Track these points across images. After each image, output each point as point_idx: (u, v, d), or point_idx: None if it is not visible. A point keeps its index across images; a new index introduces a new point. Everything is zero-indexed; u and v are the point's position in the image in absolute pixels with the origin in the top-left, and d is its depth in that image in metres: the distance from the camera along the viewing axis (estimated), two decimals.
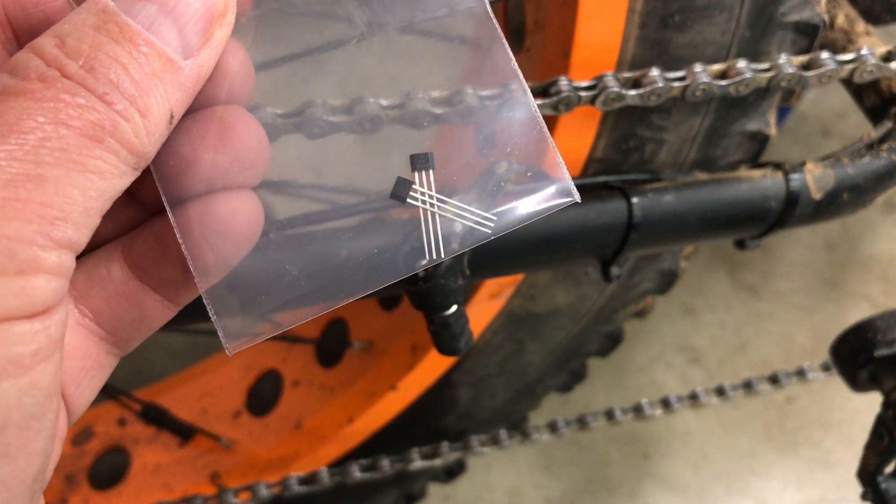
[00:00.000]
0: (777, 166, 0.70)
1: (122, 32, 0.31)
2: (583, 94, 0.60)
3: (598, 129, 0.72)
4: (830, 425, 1.62)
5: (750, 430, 1.61)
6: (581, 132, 0.72)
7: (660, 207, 0.65)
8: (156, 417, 1.08)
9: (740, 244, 0.73)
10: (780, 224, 0.70)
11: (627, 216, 0.65)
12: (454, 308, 0.58)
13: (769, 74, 0.62)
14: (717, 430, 1.61)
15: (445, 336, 0.61)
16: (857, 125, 2.02)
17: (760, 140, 0.74)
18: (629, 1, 0.63)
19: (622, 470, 1.53)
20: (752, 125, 0.73)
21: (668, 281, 0.87)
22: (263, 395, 1.10)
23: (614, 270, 0.68)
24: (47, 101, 0.29)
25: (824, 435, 1.61)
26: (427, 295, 0.56)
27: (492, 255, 0.62)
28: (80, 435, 1.18)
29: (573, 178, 0.74)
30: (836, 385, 1.72)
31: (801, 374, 0.98)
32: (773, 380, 0.98)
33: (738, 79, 0.61)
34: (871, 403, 1.35)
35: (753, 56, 0.67)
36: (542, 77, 0.70)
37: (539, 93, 0.60)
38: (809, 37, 0.67)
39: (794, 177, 0.68)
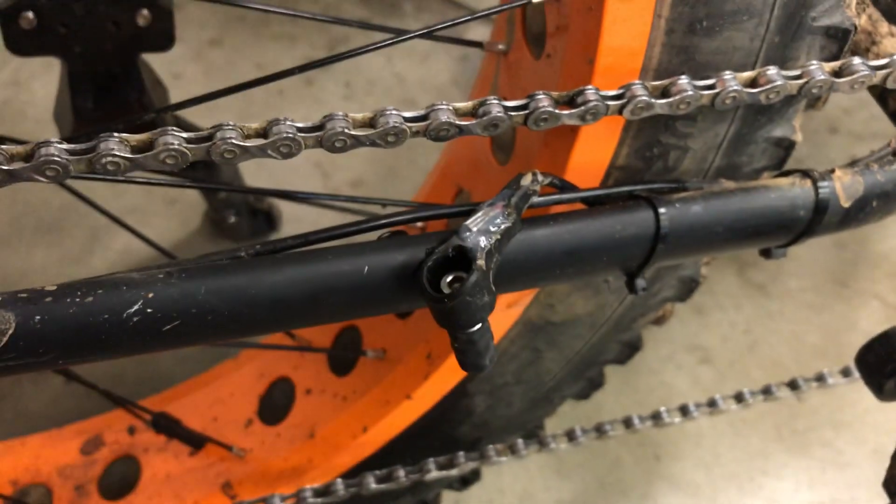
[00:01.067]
0: (805, 174, 0.69)
1: None
2: (611, 103, 0.58)
3: (621, 137, 0.70)
4: (842, 425, 1.61)
5: (761, 431, 1.59)
6: (603, 139, 0.70)
7: (687, 218, 0.64)
8: (167, 427, 1.07)
9: (766, 253, 0.72)
10: (807, 233, 0.69)
11: (655, 227, 0.63)
12: (480, 325, 0.57)
13: (800, 82, 0.61)
14: (728, 431, 1.59)
15: (470, 353, 0.59)
16: (865, 122, 2.01)
17: (786, 146, 0.73)
18: (655, 6, 0.62)
19: (634, 472, 1.52)
20: (779, 131, 0.72)
21: (688, 288, 0.85)
22: (276, 404, 1.08)
23: (640, 283, 0.66)
24: None
25: (836, 435, 1.60)
26: (452, 313, 0.55)
27: (517, 268, 0.61)
28: (89, 444, 1.16)
29: (595, 188, 0.73)
30: (848, 386, 1.71)
31: (820, 379, 0.97)
32: (793, 385, 0.96)
33: (768, 86, 0.60)
34: (883, 403, 1.34)
35: (781, 61, 0.66)
36: (564, 84, 0.69)
37: (565, 102, 0.59)
38: (839, 42, 0.65)
39: (823, 185, 0.67)
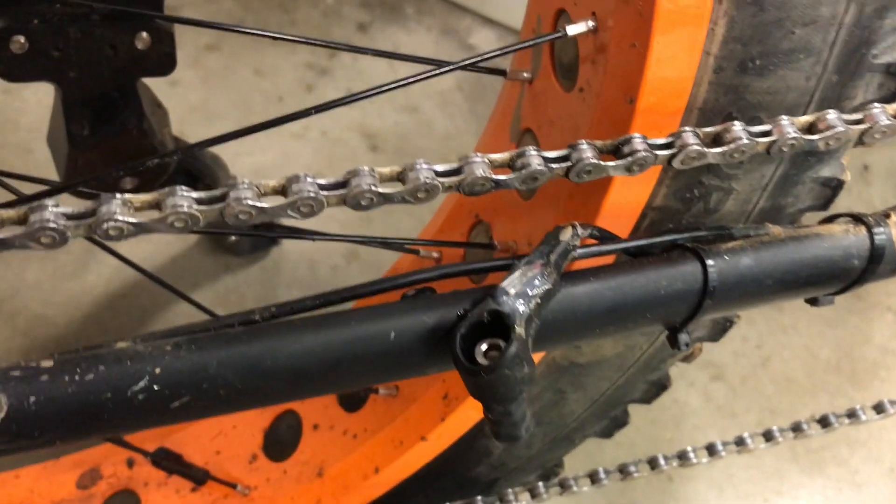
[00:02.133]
0: (857, 219, 0.64)
1: None
2: (660, 153, 0.53)
3: (660, 177, 0.66)
4: (857, 443, 1.57)
5: (775, 450, 1.55)
6: (641, 179, 0.65)
7: (737, 271, 0.59)
8: (167, 464, 1.02)
9: (812, 301, 0.67)
10: (860, 281, 0.64)
11: (702, 282, 0.58)
12: (518, 398, 0.52)
13: (862, 127, 0.56)
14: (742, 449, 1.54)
15: (505, 424, 0.54)
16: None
17: (834, 186, 0.68)
18: (705, 43, 0.57)
19: (646, 492, 1.47)
20: (827, 171, 0.67)
21: (722, 329, 0.81)
22: (281, 438, 1.03)
23: (683, 338, 0.61)
24: None
25: (851, 453, 1.56)
26: (489, 386, 0.50)
27: (554, 328, 0.56)
28: (86, 477, 1.11)
29: (637, 237, 0.68)
30: (862, 401, 1.67)
31: (852, 415, 0.93)
32: (824, 422, 0.92)
33: (828, 133, 0.55)
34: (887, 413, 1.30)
35: (837, 101, 0.61)
36: (599, 122, 0.64)
37: (610, 151, 0.54)
38: None
39: (879, 232, 0.62)
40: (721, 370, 1.63)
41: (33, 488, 1.11)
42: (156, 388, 0.48)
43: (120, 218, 0.46)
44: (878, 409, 0.95)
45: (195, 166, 1.13)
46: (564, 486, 0.89)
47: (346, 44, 0.85)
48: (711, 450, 0.91)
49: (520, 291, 0.52)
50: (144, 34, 0.79)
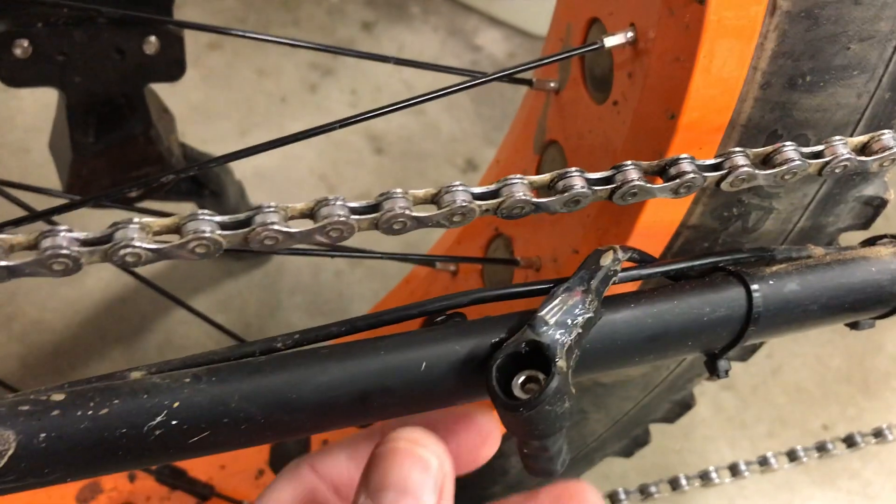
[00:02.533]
0: None
1: None
2: (708, 174, 0.50)
3: (698, 195, 0.63)
4: (869, 455, 1.54)
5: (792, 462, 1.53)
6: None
7: (782, 296, 0.56)
8: (171, 480, 0.99)
9: (853, 325, 0.64)
10: None
11: (747, 308, 0.55)
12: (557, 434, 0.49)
13: None
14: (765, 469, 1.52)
15: (541, 459, 0.51)
16: None
17: (877, 206, 0.66)
18: (753, 58, 0.54)
19: None
20: (871, 190, 0.64)
21: (752, 350, 0.78)
22: (289, 453, 1.00)
23: (723, 364, 0.59)
24: None
25: (863, 465, 1.53)
26: (527, 422, 0.47)
27: (596, 357, 0.53)
28: (85, 490, 1.08)
29: (671, 253, 0.65)
30: (874, 411, 1.65)
31: (878, 434, 0.90)
32: (850, 442, 0.89)
33: (883, 154, 0.52)
34: None
35: (888, 119, 0.58)
36: (634, 137, 0.61)
37: (656, 172, 0.51)
38: None
39: None
40: (731, 379, 1.61)
41: (31, 501, 1.08)
42: (174, 423, 0.45)
43: (138, 244, 0.43)
44: None
45: (201, 173, 1.10)
46: None
47: (357, 50, 0.82)
48: (734, 470, 0.88)
49: (560, 321, 0.49)
50: (153, 38, 0.76)
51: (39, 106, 1.67)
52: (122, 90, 0.79)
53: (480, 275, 0.87)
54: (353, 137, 1.70)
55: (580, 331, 0.49)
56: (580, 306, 0.50)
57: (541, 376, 0.47)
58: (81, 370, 1.41)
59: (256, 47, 1.80)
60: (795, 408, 1.60)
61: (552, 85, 0.73)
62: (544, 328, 0.48)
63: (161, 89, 0.97)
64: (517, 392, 0.47)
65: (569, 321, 0.49)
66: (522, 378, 0.48)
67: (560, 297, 0.50)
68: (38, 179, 1.04)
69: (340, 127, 0.56)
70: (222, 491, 1.00)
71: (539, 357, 0.48)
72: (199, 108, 1.70)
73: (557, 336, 0.48)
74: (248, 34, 0.70)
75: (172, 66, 0.78)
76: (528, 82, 0.74)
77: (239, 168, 1.53)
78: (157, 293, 0.89)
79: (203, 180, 1.10)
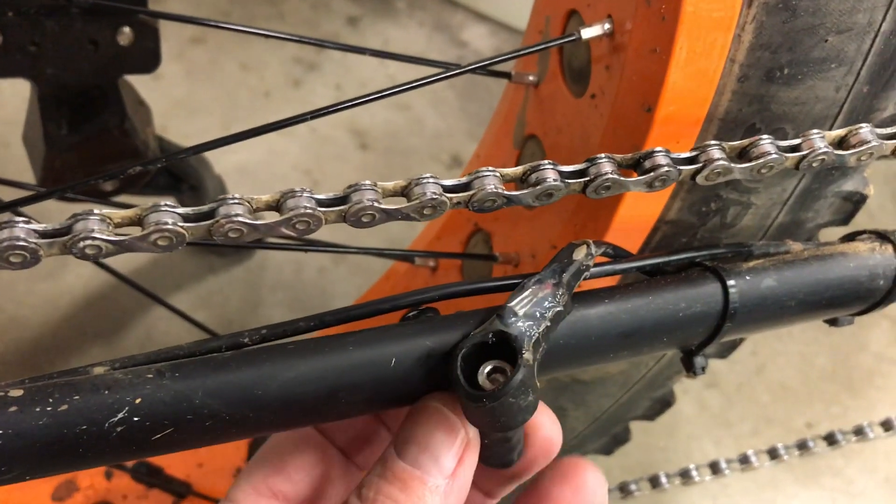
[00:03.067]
0: (883, 237, 0.60)
1: (395, 474, 0.44)
2: (683, 168, 0.49)
3: (675, 190, 0.62)
4: (853, 453, 1.54)
5: (773, 460, 1.53)
6: (655, 192, 0.61)
7: (759, 292, 0.55)
8: (147, 478, 0.97)
9: (832, 322, 0.64)
10: (884, 302, 0.61)
11: (723, 304, 0.55)
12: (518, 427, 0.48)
13: None
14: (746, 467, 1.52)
15: (500, 451, 0.51)
16: None
17: (856, 201, 0.65)
18: (730, 50, 0.53)
19: (639, 503, 1.44)
20: (850, 185, 0.64)
21: (731, 346, 0.77)
22: None
23: (700, 361, 0.58)
24: None
25: (846, 463, 1.53)
26: (490, 413, 0.46)
27: (567, 353, 0.52)
28: (61, 488, 1.07)
29: (648, 249, 0.64)
30: (858, 409, 1.65)
31: (859, 432, 0.89)
32: (830, 440, 0.89)
33: (861, 148, 0.51)
34: (895, 430, 1.27)
35: (867, 113, 0.57)
36: (612, 130, 0.60)
37: (631, 166, 0.50)
38: None
39: None
40: (715, 377, 1.60)
41: (6, 500, 1.06)
42: (136, 419, 0.44)
43: (98, 236, 0.42)
44: (886, 426, 0.92)
45: (178, 167, 1.09)
46: None
47: (340, 43, 0.81)
48: (715, 468, 0.88)
49: (529, 312, 0.48)
50: (127, 29, 0.74)
51: (20, 100, 1.65)
52: (96, 82, 0.78)
53: (460, 270, 0.86)
54: (337, 133, 1.69)
55: (549, 324, 0.48)
56: (550, 299, 0.49)
57: (507, 368, 0.46)
58: (61, 367, 1.40)
59: (240, 42, 1.78)
60: (780, 406, 1.59)
61: (531, 78, 0.73)
62: (512, 319, 0.47)
63: (143, 84, 0.95)
64: (482, 381, 0.46)
65: (538, 313, 0.48)
66: (489, 368, 0.47)
67: (530, 290, 0.49)
68: (17, 173, 1.02)
69: (313, 118, 0.55)
70: (200, 489, 0.99)
71: (506, 348, 0.47)
72: (182, 102, 1.68)
73: (525, 328, 0.47)
74: (220, 24, 0.69)
75: (147, 58, 0.77)
76: (507, 75, 0.73)
77: (222, 163, 1.52)
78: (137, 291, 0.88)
79: (181, 174, 1.08)
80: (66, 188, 0.53)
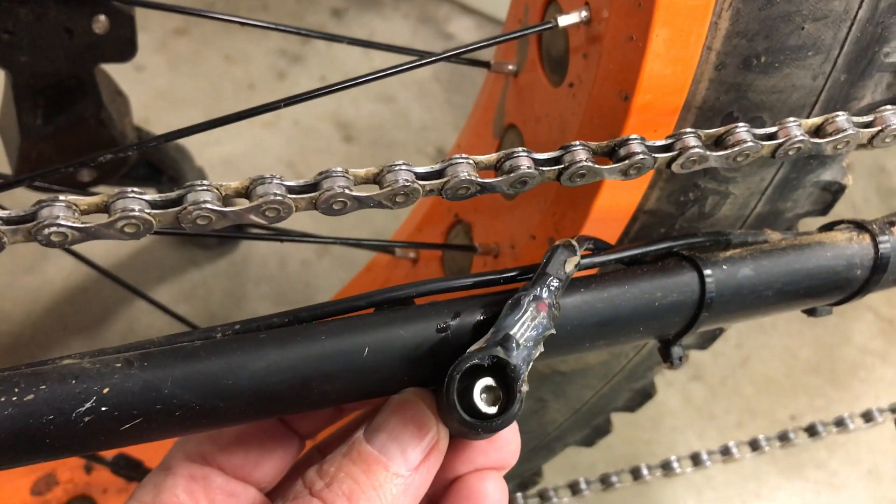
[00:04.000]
0: (860, 227, 0.60)
1: (360, 455, 0.45)
2: (659, 155, 0.49)
3: (653, 180, 0.62)
4: (836, 445, 1.55)
5: (753, 452, 1.53)
6: (632, 182, 0.61)
7: (735, 281, 0.55)
8: (126, 471, 0.96)
9: (810, 312, 0.64)
10: (861, 292, 0.61)
11: (699, 293, 0.54)
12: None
13: (873, 130, 0.52)
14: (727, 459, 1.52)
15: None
16: None
17: (835, 191, 0.65)
18: (706, 37, 0.53)
19: (623, 496, 1.44)
20: (829, 175, 0.63)
21: (711, 337, 0.77)
22: None
23: (677, 351, 0.58)
24: None
25: (830, 456, 1.54)
26: (475, 431, 0.45)
27: (545, 343, 0.51)
28: (41, 483, 1.06)
29: (627, 239, 0.64)
30: (842, 401, 1.65)
31: (840, 423, 0.90)
32: (811, 431, 0.89)
33: (838, 136, 0.51)
34: (876, 422, 1.27)
35: (844, 101, 0.57)
36: (590, 119, 0.60)
37: (605, 153, 0.49)
38: None
39: (884, 240, 0.59)
40: (700, 370, 1.61)
41: None
42: (104, 409, 0.44)
43: (63, 223, 0.41)
44: (867, 417, 0.93)
45: (158, 158, 1.08)
46: (544, 498, 0.85)
47: (320, 32, 0.80)
48: (696, 459, 0.88)
49: (527, 338, 0.47)
50: (102, 17, 0.73)
51: None
52: (71, 71, 0.77)
53: (441, 262, 0.86)
54: (322, 125, 1.68)
55: (542, 349, 0.48)
56: (546, 322, 0.48)
57: (499, 390, 0.46)
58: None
59: (224, 34, 1.77)
60: (764, 398, 1.60)
61: (510, 68, 0.72)
62: (516, 351, 0.47)
63: (126, 76, 0.95)
64: (478, 403, 0.45)
65: (533, 340, 0.47)
66: (482, 386, 0.46)
67: (529, 311, 0.48)
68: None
69: (286, 105, 0.55)
70: None
71: (499, 370, 0.46)
72: (165, 94, 1.67)
73: (522, 359, 0.47)
74: (199, 12, 0.68)
75: (123, 46, 0.76)
76: (486, 64, 0.73)
77: (205, 156, 1.51)
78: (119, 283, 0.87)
79: (160, 165, 1.07)
80: (35, 176, 0.52)
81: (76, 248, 0.86)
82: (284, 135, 1.65)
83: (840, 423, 0.91)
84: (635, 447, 1.49)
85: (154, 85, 1.66)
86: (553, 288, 0.48)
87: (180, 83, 1.69)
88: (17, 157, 0.82)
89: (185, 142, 1.32)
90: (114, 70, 0.90)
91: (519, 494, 0.86)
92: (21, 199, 0.84)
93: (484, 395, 0.45)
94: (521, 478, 0.93)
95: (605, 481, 0.85)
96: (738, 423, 1.55)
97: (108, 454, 0.96)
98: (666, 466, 0.87)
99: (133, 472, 0.98)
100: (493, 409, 0.45)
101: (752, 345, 1.65)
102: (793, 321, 1.70)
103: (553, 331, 0.47)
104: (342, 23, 1.85)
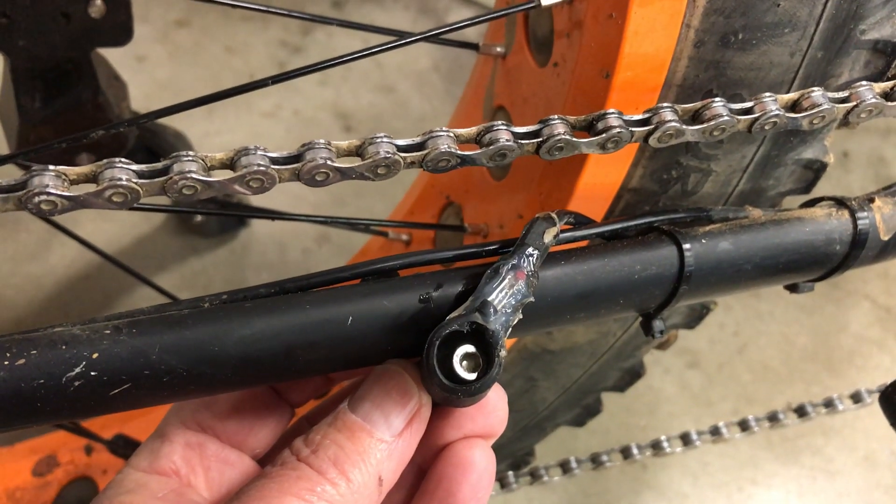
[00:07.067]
0: (840, 203, 0.61)
1: (345, 423, 0.46)
2: (636, 129, 0.50)
3: (636, 157, 0.63)
4: (832, 431, 1.56)
5: (750, 438, 1.54)
6: (616, 160, 0.62)
7: (714, 255, 0.56)
8: (124, 450, 0.98)
9: (792, 288, 0.65)
10: (841, 268, 0.62)
11: (678, 267, 0.55)
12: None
13: (848, 105, 0.53)
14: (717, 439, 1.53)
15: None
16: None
17: (816, 169, 0.66)
18: (685, 15, 0.54)
19: (620, 482, 1.46)
20: (810, 153, 0.64)
21: (698, 316, 0.78)
22: None
23: (658, 325, 0.59)
24: (281, 478, 0.44)
25: (826, 442, 1.55)
26: (458, 400, 0.47)
27: (525, 315, 0.53)
28: (42, 464, 1.07)
29: (612, 216, 0.65)
30: (838, 389, 1.66)
31: (829, 405, 0.91)
32: (801, 412, 0.90)
33: (813, 111, 0.52)
34: (872, 409, 1.28)
35: (822, 79, 0.58)
36: (573, 98, 0.61)
37: (584, 127, 0.50)
38: (887, 57, 0.58)
39: (862, 216, 0.60)
40: (697, 357, 1.61)
41: None
42: (93, 374, 0.45)
43: (53, 191, 0.42)
44: (856, 398, 0.93)
45: (157, 143, 1.09)
46: (535, 476, 0.86)
47: (314, 15, 0.81)
48: (686, 439, 0.89)
49: (505, 304, 0.49)
50: (99, 2, 0.75)
51: None
52: (69, 55, 0.78)
53: (433, 244, 0.87)
54: (322, 115, 1.69)
55: (520, 316, 0.49)
56: (524, 290, 0.49)
57: (479, 356, 0.47)
58: None
59: (225, 25, 1.78)
60: (761, 386, 1.61)
61: (498, 50, 0.73)
62: (493, 317, 0.48)
63: (127, 67, 0.96)
64: (457, 369, 0.47)
65: (511, 307, 0.49)
66: (462, 353, 0.47)
67: (507, 279, 0.49)
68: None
69: (274, 83, 0.56)
70: None
71: (479, 336, 0.47)
72: (166, 84, 1.68)
73: (500, 324, 0.48)
74: None
75: (119, 31, 0.77)
76: (475, 46, 0.74)
77: (205, 144, 1.53)
78: (121, 270, 0.88)
79: (158, 150, 1.09)
80: (29, 151, 0.53)
81: (80, 233, 0.88)
82: (284, 125, 1.66)
83: (829, 403, 0.92)
84: (632, 433, 1.50)
85: (155, 75, 1.68)
86: (531, 257, 0.50)
87: (181, 74, 1.70)
88: (15, 139, 0.83)
89: (185, 131, 1.33)
90: (115, 61, 0.92)
91: (511, 473, 0.87)
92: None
93: (465, 363, 0.46)
94: (513, 457, 0.94)
95: (596, 460, 0.86)
96: (734, 410, 1.56)
97: (107, 434, 0.98)
98: (655, 445, 0.88)
99: (132, 451, 0.99)
100: (472, 376, 0.46)
101: (748, 332, 1.66)
102: (790, 309, 1.71)
103: (532, 298, 0.48)
104: (343, 13, 1.86)
